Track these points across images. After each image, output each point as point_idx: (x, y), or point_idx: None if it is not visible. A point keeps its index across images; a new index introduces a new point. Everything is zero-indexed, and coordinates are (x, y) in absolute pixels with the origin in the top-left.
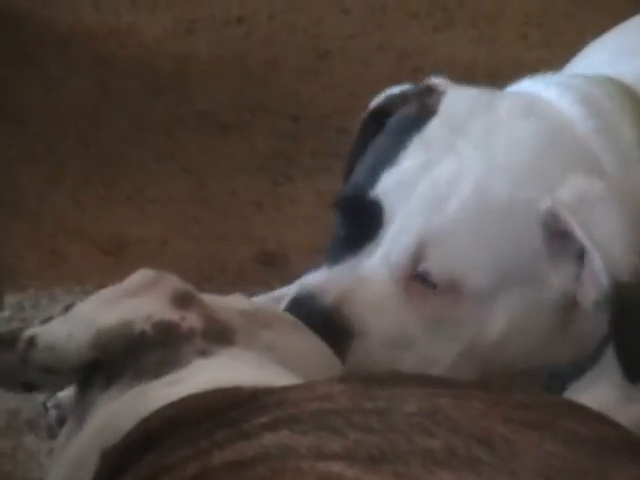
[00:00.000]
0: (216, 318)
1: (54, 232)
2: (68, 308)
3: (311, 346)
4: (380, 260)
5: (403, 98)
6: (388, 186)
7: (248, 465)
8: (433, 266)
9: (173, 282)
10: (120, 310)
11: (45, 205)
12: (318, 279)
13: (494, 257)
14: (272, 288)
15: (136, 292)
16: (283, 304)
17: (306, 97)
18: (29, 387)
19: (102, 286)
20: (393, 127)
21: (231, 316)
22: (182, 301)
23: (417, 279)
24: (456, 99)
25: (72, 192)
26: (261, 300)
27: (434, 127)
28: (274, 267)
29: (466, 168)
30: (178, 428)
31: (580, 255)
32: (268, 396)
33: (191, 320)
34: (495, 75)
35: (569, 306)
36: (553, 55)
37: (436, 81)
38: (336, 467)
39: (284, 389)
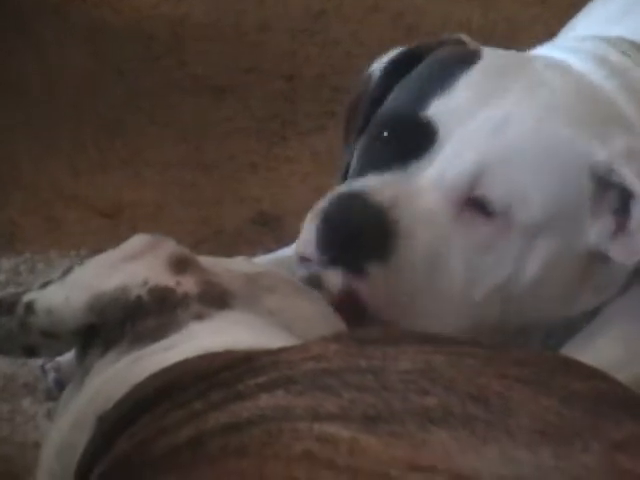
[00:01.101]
0: (214, 282)
1: (50, 198)
2: (66, 272)
3: (315, 310)
4: (434, 179)
5: (439, 42)
6: (442, 109)
7: (244, 427)
8: (492, 191)
9: (170, 246)
10: (116, 275)
11: (41, 172)
12: (368, 181)
13: (548, 191)
14: (268, 249)
15: (133, 257)
16: (324, 202)
17: (301, 57)
18: (30, 351)
19: (98, 250)
20: (437, 60)
21: (232, 279)
22: (179, 265)
23: (470, 205)
24: (495, 52)
25: (68, 158)
26: (263, 262)
27: (482, 70)
28: (270, 227)
29: (524, 105)
30: (171, 392)
31: (616, 213)
32: (263, 357)
33: (187, 285)
34: (490, 34)
35: (592, 262)
36: (549, 14)
37: (463, 37)
38: (332, 428)
39: (279, 350)
